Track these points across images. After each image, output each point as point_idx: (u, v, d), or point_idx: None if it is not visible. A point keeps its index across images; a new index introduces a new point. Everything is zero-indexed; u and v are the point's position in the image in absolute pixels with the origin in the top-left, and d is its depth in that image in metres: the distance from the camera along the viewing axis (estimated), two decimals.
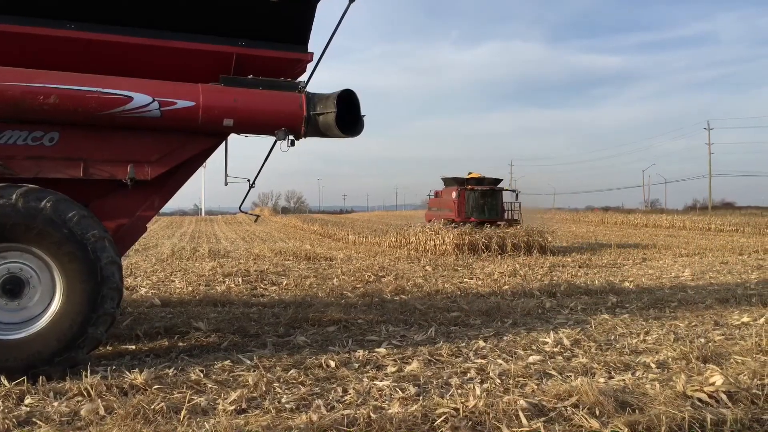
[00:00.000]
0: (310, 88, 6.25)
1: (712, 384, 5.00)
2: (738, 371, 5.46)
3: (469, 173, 25.49)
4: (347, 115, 6.10)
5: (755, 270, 15.56)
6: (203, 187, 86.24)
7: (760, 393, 4.89)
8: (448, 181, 25.85)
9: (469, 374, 5.66)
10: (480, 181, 24.83)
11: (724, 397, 4.80)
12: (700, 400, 4.76)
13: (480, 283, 12.85)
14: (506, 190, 24.88)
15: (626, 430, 4.17)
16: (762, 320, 8.20)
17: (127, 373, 5.31)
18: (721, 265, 17.06)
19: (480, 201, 24.27)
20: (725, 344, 6.83)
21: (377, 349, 6.52)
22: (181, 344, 6.81)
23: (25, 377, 5.02)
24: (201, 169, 6.87)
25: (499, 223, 23.45)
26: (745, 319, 8.36)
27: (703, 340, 7.04)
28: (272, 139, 6.26)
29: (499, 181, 25.23)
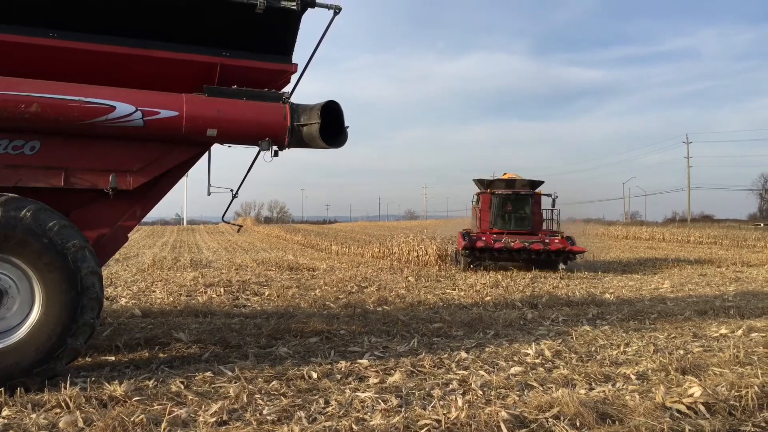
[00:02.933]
0: (294, 99, 6.27)
1: (691, 395, 5.06)
2: (716, 383, 5.52)
3: (505, 173, 21.56)
4: (331, 126, 6.13)
5: (733, 282, 15.78)
6: (185, 197, 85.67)
7: (738, 404, 4.95)
8: (478, 185, 21.40)
9: (451, 386, 5.67)
10: (510, 183, 20.44)
11: (702, 408, 4.85)
12: (678, 411, 4.81)
13: (462, 294, 12.89)
14: (542, 194, 20.35)
15: None
16: (739, 332, 8.31)
17: (107, 384, 5.25)
18: (699, 277, 17.27)
19: (505, 208, 19.92)
20: (704, 356, 6.91)
21: (359, 361, 6.51)
22: (161, 355, 6.75)
23: (2, 389, 4.94)
24: (183, 179, 6.84)
25: (531, 240, 18.61)
26: (723, 330, 8.47)
27: (682, 352, 7.11)
28: (256, 149, 6.26)
29: (537, 184, 20.50)
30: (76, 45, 5.59)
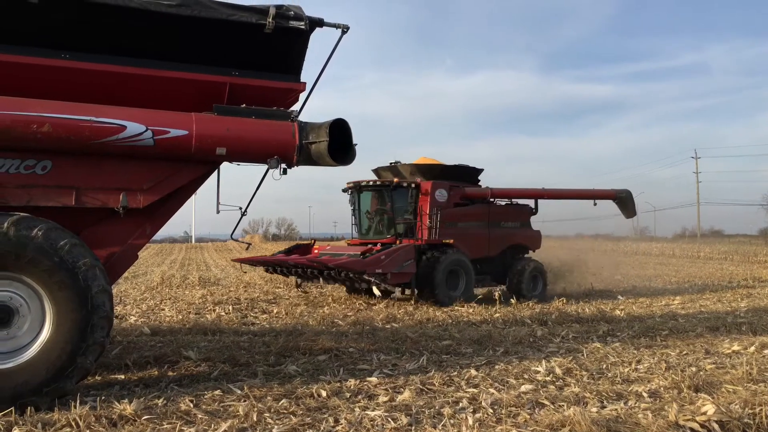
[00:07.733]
0: (302, 117, 6.32)
1: (704, 413, 5.00)
2: (729, 400, 5.46)
3: (420, 158, 15.70)
4: (339, 144, 6.16)
5: (745, 298, 15.64)
6: (194, 215, 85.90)
7: (752, 422, 4.89)
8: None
9: (461, 404, 5.63)
10: (394, 170, 14.90)
11: (716, 426, 4.79)
12: (692, 429, 4.75)
13: (471, 310, 12.83)
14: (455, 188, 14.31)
15: None
16: (752, 348, 8.22)
17: (117, 403, 5.24)
18: (710, 293, 17.13)
19: (378, 208, 14.51)
20: (716, 373, 6.83)
21: (369, 378, 6.49)
22: (170, 373, 6.74)
23: (12, 408, 4.94)
24: (192, 197, 6.88)
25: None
26: (736, 347, 8.38)
27: (694, 369, 7.04)
28: (264, 167, 6.30)
29: (460, 171, 14.84)
30: (87, 66, 5.66)
